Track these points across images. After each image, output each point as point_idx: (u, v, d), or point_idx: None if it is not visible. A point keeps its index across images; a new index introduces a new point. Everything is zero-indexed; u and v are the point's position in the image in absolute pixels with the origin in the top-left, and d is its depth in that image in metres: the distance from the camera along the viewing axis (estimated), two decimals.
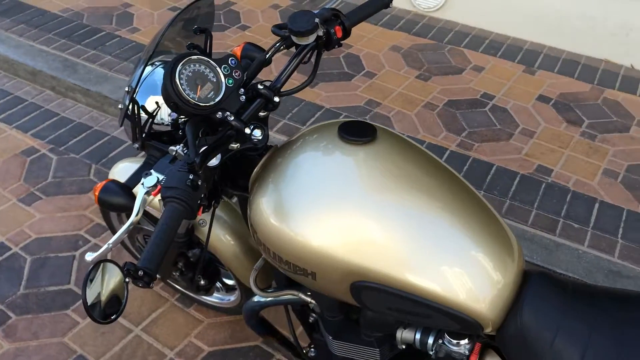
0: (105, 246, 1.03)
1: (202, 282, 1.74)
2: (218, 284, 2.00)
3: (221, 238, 1.67)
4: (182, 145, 1.15)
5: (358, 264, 1.10)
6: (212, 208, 1.37)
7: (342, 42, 1.32)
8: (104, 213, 1.95)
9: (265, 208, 1.19)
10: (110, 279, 0.92)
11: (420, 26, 3.90)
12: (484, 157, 2.77)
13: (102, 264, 0.92)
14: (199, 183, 1.02)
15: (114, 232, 2.07)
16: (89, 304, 0.91)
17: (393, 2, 1.48)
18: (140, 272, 0.90)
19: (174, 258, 1.68)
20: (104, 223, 2.42)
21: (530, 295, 1.12)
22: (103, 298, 0.92)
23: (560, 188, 2.60)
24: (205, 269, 1.76)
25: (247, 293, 1.83)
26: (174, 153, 1.13)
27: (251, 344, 2.00)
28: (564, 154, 2.81)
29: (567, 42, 3.65)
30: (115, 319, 0.93)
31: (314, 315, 1.56)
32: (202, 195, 1.07)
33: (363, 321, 1.29)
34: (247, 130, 1.15)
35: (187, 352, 1.96)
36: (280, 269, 1.22)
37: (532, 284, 1.14)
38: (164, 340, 2.00)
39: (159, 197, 1.04)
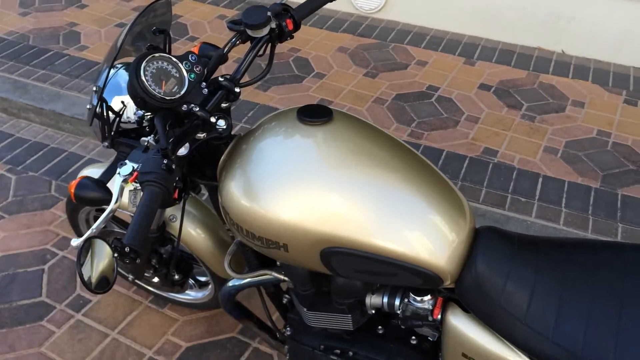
0: (88, 232, 1.09)
1: (177, 276, 1.80)
2: (191, 281, 2.06)
3: (192, 232, 1.74)
4: (152, 136, 1.22)
5: (326, 232, 1.19)
6: (182, 201, 1.44)
7: (293, 34, 1.43)
8: (71, 219, 1.99)
9: (235, 191, 1.27)
10: (101, 254, 0.99)
11: (363, 27, 4.05)
12: (434, 144, 2.92)
13: (91, 240, 0.99)
14: (173, 167, 1.10)
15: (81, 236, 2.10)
16: (85, 278, 0.97)
17: (335, 1, 1.58)
18: (127, 249, 0.97)
19: (147, 256, 1.73)
20: (70, 236, 2.44)
21: (482, 248, 1.24)
22: (96, 271, 0.99)
23: (507, 167, 2.78)
24: (178, 264, 1.82)
25: (220, 285, 1.89)
26: (145, 143, 1.21)
27: (228, 335, 2.07)
28: (507, 136, 3.00)
29: (502, 34, 3.87)
30: (110, 288, 1.00)
31: (287, 296, 1.65)
32: (177, 179, 1.14)
33: (334, 289, 1.38)
34: (213, 119, 1.23)
35: (166, 350, 2.01)
36: (254, 246, 1.30)
37: (482, 239, 1.27)
38: (142, 340, 2.04)
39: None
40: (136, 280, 2.13)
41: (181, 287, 1.86)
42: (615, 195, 2.61)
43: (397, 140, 1.35)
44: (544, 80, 3.48)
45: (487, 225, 1.31)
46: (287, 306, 1.69)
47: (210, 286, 2.01)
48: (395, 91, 3.35)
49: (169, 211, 1.70)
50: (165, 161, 1.10)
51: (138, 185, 1.12)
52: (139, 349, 2.01)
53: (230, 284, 1.58)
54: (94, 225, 1.08)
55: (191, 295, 2.10)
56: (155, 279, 1.89)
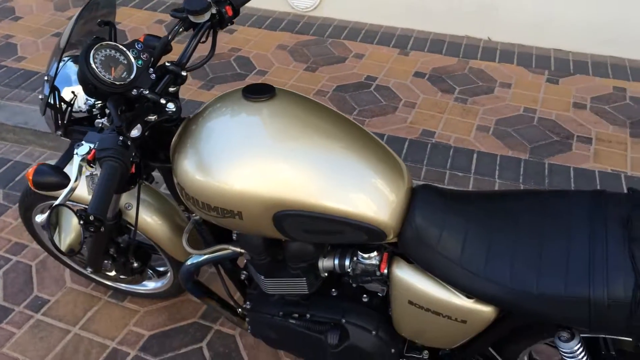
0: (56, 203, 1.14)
1: (135, 264, 1.86)
2: (149, 272, 2.11)
3: (149, 219, 1.80)
4: (106, 118, 1.29)
5: (276, 197, 1.29)
6: (137, 186, 1.51)
7: (233, 20, 1.52)
8: (25, 220, 2.01)
9: (189, 168, 1.35)
10: (68, 222, 1.05)
11: (301, 25, 4.18)
12: (376, 130, 3.07)
13: (58, 208, 1.05)
14: (129, 143, 1.18)
15: (36, 237, 2.12)
16: (56, 244, 1.04)
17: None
18: (91, 217, 1.04)
19: (104, 247, 1.78)
20: (22, 241, 2.44)
21: (419, 204, 1.37)
22: (65, 238, 1.05)
23: (444, 146, 2.95)
24: (136, 252, 1.87)
25: (179, 270, 1.95)
26: (100, 125, 1.28)
27: (189, 321, 2.13)
28: (443, 118, 3.18)
29: (432, 25, 4.07)
30: (79, 251, 1.07)
31: (244, 272, 1.74)
32: (133, 154, 1.21)
33: (288, 255, 1.48)
34: (163, 101, 1.32)
35: (129, 340, 2.06)
36: (211, 218, 1.39)
37: (419, 195, 1.39)
38: (104, 333, 2.08)
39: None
40: (94, 276, 2.17)
41: (140, 275, 1.91)
42: (543, 165, 2.82)
43: (337, 112, 1.46)
44: (473, 65, 3.70)
45: (422, 184, 1.45)
46: (246, 283, 1.77)
47: (169, 274, 2.07)
48: (336, 83, 3.48)
49: (124, 199, 1.76)
50: (120, 138, 1.17)
51: (94, 170, 1.19)
52: (101, 341, 2.05)
53: (189, 262, 1.65)
54: (56, 203, 1.14)
55: (150, 285, 2.15)
56: (113, 272, 1.93)
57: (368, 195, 1.32)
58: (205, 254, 1.61)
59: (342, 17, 4.26)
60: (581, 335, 1.37)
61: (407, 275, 1.40)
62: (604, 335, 1.43)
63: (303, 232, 1.35)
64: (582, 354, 1.36)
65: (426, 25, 4.09)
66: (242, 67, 3.64)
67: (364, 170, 1.34)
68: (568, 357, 1.37)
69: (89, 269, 1.87)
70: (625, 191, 1.34)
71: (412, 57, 3.79)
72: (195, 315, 2.15)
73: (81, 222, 1.04)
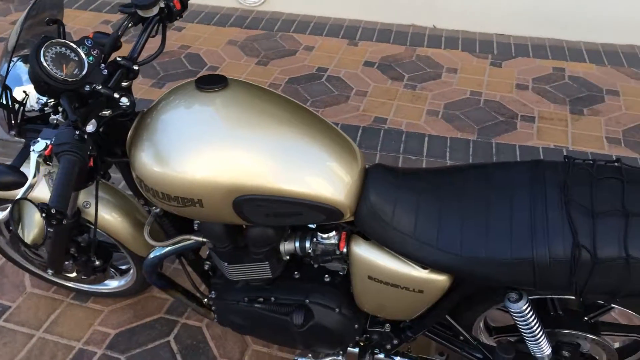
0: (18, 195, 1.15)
1: (97, 262, 1.86)
2: (112, 271, 2.11)
3: (108, 217, 1.81)
4: (60, 114, 1.30)
5: (235, 183, 1.32)
6: (95, 183, 1.52)
7: (182, 14, 1.55)
8: None
9: (147, 160, 1.37)
10: (30, 215, 1.07)
11: (250, 20, 4.20)
12: (330, 119, 3.13)
13: (19, 202, 1.07)
14: (85, 136, 1.19)
15: None
16: (20, 236, 1.05)
17: None
18: (53, 210, 1.06)
19: (65, 247, 1.78)
20: None
21: (372, 182, 1.43)
22: (28, 230, 1.07)
23: (396, 131, 3.04)
24: (97, 251, 1.88)
25: (141, 267, 1.97)
26: (55, 121, 1.28)
27: (155, 317, 2.14)
28: (394, 104, 3.27)
29: (378, 15, 4.16)
30: (43, 243, 1.08)
31: (207, 262, 1.77)
32: (90, 147, 1.22)
33: (250, 240, 1.51)
34: (116, 95, 1.34)
35: (95, 339, 2.06)
36: (172, 208, 1.41)
37: (372, 175, 1.46)
38: (69, 335, 2.07)
39: None
40: (55, 279, 2.16)
41: (103, 273, 1.92)
42: (490, 144, 2.94)
43: (290, 99, 1.51)
44: (421, 52, 3.80)
45: (374, 164, 1.51)
46: (210, 273, 1.80)
47: (131, 271, 2.07)
48: (288, 75, 3.53)
49: (82, 198, 1.76)
50: (77, 132, 1.19)
51: (52, 168, 1.21)
52: (67, 343, 2.04)
53: (152, 255, 1.67)
54: (18, 196, 1.15)
55: (113, 284, 2.15)
56: (74, 274, 1.93)
57: (324, 177, 1.37)
58: (167, 246, 1.63)
59: (290, 11, 4.30)
60: (530, 297, 1.47)
61: (365, 252, 1.46)
62: (550, 296, 1.53)
63: (263, 216, 1.39)
64: (531, 313, 1.45)
65: (373, 15, 4.17)
66: (193, 64, 3.64)
67: (319, 154, 1.39)
68: (518, 318, 1.46)
69: (50, 271, 1.86)
70: (562, 160, 1.44)
71: (361, 47, 3.87)
72: (161, 310, 2.16)
73: (43, 214, 1.05)
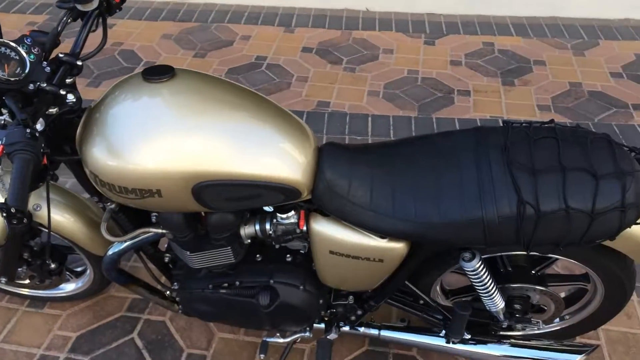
0: None
1: (53, 265, 1.82)
2: (67, 274, 2.07)
3: (61, 218, 1.77)
4: (6, 114, 1.28)
5: (193, 170, 1.34)
6: (46, 184, 1.49)
7: (121, 6, 1.54)
8: None
9: (100, 155, 1.36)
10: None
11: (182, 13, 4.14)
12: None
13: None
14: (37, 134, 1.18)
15: None
16: None
17: None
18: (13, 209, 1.05)
19: (18, 253, 1.74)
20: None
21: (327, 159, 1.48)
22: None
23: (340, 113, 3.10)
24: (51, 254, 1.84)
25: (98, 266, 1.94)
26: (2, 122, 1.26)
27: (116, 316, 2.12)
28: (335, 88, 3.32)
29: (312, 1, 4.19)
30: (3, 245, 1.07)
31: (167, 254, 1.77)
32: (43, 145, 1.21)
33: (210, 227, 1.53)
34: (63, 92, 1.32)
35: (56, 344, 2.02)
36: (130, 201, 1.41)
37: (325, 152, 1.50)
38: (28, 342, 2.02)
39: None
40: (8, 288, 2.10)
41: (59, 276, 1.88)
42: (431, 120, 3.05)
43: (239, 85, 1.53)
44: (356, 36, 3.87)
45: (327, 142, 1.55)
46: (170, 265, 1.80)
47: (87, 272, 2.04)
48: (227, 66, 3.52)
49: (32, 201, 1.71)
50: (28, 130, 1.17)
51: (1, 173, 1.18)
52: (27, 351, 2.00)
53: (110, 251, 1.66)
54: None
55: (70, 287, 2.11)
56: (27, 281, 1.89)
57: (280, 158, 1.40)
58: (126, 241, 1.63)
59: (223, 2, 4.27)
60: (482, 256, 1.56)
61: (324, 228, 1.51)
62: (500, 254, 1.63)
63: (223, 201, 1.41)
64: (484, 270, 1.55)
65: (307, 1, 4.21)
66: (128, 60, 3.57)
67: (272, 135, 1.42)
68: (472, 276, 1.55)
69: (3, 280, 1.81)
70: (501, 125, 1.53)
71: (298, 33, 3.90)
72: (121, 309, 2.14)
73: (4, 214, 1.04)
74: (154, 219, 1.59)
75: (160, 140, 1.34)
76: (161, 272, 1.81)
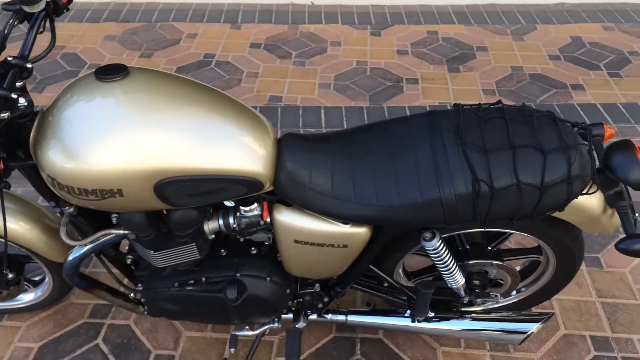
0: None
1: (10, 275, 1.78)
2: (26, 284, 2.01)
3: (16, 226, 1.73)
4: None
5: (154, 167, 1.33)
6: (0, 193, 1.45)
7: (68, 7, 1.51)
8: None
9: (57, 158, 1.34)
10: None
11: (125, 13, 4.06)
12: None
13: None
14: None
15: None
16: None
17: None
18: None
19: None
20: None
21: (287, 150, 1.50)
22: None
23: (292, 107, 3.12)
24: (9, 264, 1.79)
25: (57, 274, 1.90)
26: None
27: (78, 323, 2.08)
28: (286, 82, 3.34)
29: None
30: None
31: (129, 256, 1.75)
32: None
33: (173, 225, 1.52)
34: (14, 96, 1.29)
35: (17, 356, 1.97)
36: (90, 203, 1.39)
37: (285, 143, 1.52)
38: None
39: None
40: None
41: (17, 286, 1.83)
42: (382, 109, 3.11)
43: (195, 81, 1.52)
44: (303, 29, 3.89)
45: (285, 133, 1.57)
46: (133, 267, 1.79)
47: (46, 280, 1.99)
48: (175, 65, 3.47)
49: None
50: None
51: None
52: None
53: (71, 256, 1.63)
54: None
55: (28, 297, 2.05)
56: None
57: (240, 151, 1.41)
58: (87, 244, 1.60)
59: (166, 0, 4.21)
60: (441, 236, 1.61)
61: (288, 218, 1.53)
62: (457, 232, 1.69)
63: (186, 197, 1.41)
64: (444, 249, 1.60)
65: None
66: (71, 64, 3.47)
67: (231, 129, 1.42)
68: (433, 254, 1.61)
69: None
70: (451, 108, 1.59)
71: (245, 29, 3.88)
72: (83, 316, 2.10)
73: None
74: (114, 220, 1.57)
75: (118, 139, 1.33)
76: (124, 275, 1.79)
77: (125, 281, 1.90)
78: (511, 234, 1.78)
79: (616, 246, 1.45)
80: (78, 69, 3.42)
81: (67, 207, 1.55)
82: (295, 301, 1.83)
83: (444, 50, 3.66)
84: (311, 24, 3.94)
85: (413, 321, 1.81)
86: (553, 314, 1.81)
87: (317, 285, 1.78)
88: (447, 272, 1.66)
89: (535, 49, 3.69)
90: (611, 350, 2.03)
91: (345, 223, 1.52)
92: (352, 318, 1.86)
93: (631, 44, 3.76)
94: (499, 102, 1.56)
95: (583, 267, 2.34)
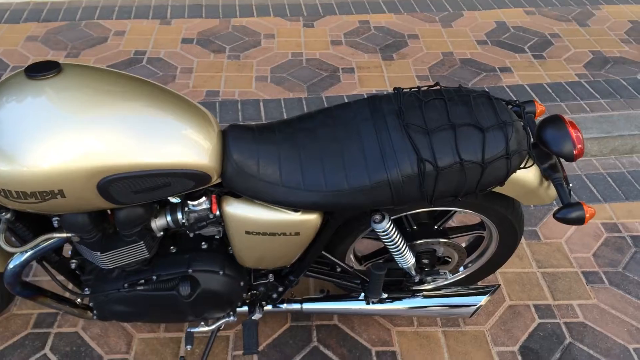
0: None
1: None
2: None
3: None
4: None
5: (96, 165, 1.29)
6: None
7: None
8: None
9: None
10: None
11: (46, 12, 3.89)
12: None
13: None
14: None
15: None
16: None
17: None
18: None
19: None
20: None
21: (232, 141, 1.49)
22: None
23: (230, 101, 3.08)
24: None
25: None
26: None
27: (22, 334, 1.99)
28: (222, 76, 3.30)
29: None
30: None
31: (73, 260, 1.69)
32: None
33: (119, 224, 1.48)
34: None
35: None
36: (29, 206, 1.33)
37: (230, 135, 1.51)
38: None
39: None
40: None
41: None
42: (321, 98, 3.13)
43: (132, 75, 1.48)
44: (236, 23, 3.85)
45: (230, 124, 1.56)
46: (78, 272, 1.72)
47: None
48: (104, 63, 3.36)
49: None
50: None
51: None
52: None
53: (11, 264, 1.55)
54: None
55: None
56: None
57: (184, 144, 1.38)
58: (27, 250, 1.53)
59: None
60: (391, 217, 1.65)
61: (238, 209, 1.52)
62: (405, 214, 1.73)
63: (132, 194, 1.37)
64: (393, 229, 1.64)
65: None
66: None
67: (173, 122, 1.39)
68: (383, 236, 1.64)
69: None
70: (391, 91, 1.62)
71: (175, 25, 3.80)
72: (27, 326, 2.01)
73: None
74: (56, 224, 1.50)
75: (54, 138, 1.28)
76: (69, 280, 1.72)
77: (71, 287, 1.82)
78: (456, 212, 1.84)
79: (554, 215, 1.53)
80: (0, 72, 3.24)
81: (3, 213, 1.47)
82: (250, 293, 1.82)
83: (377, 39, 3.72)
84: (243, 18, 3.91)
85: (367, 303, 1.84)
86: (499, 285, 1.89)
87: (270, 275, 1.78)
88: (397, 253, 1.70)
89: (463, 34, 3.81)
90: (554, 317, 2.14)
91: (296, 211, 1.52)
92: (307, 305, 1.87)
93: (552, 27, 3.95)
94: (437, 84, 1.61)
95: (523, 240, 2.45)
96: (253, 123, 1.58)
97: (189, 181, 1.41)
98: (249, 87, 3.20)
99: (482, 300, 1.82)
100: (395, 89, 1.60)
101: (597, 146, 2.92)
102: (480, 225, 1.96)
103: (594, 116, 3.03)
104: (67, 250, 1.71)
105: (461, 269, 2.06)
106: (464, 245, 2.09)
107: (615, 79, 3.37)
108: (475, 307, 1.83)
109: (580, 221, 1.51)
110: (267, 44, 3.62)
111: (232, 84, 3.22)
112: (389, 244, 1.67)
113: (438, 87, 1.59)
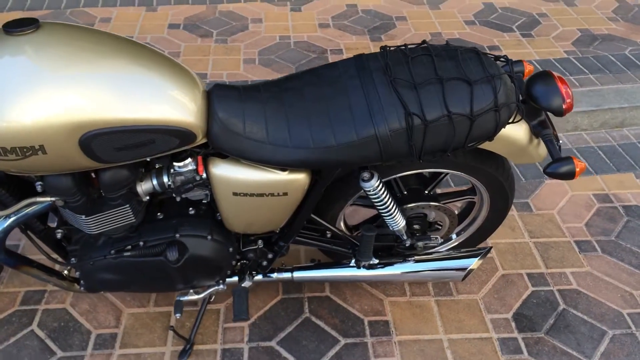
0: None
1: None
2: None
3: None
4: None
5: (77, 119, 1.25)
6: None
7: None
8: None
9: None
10: None
11: (31, 1, 3.85)
12: None
13: None
14: None
15: None
16: None
17: None
18: None
19: None
20: None
21: (217, 100, 1.46)
22: None
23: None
24: None
25: None
26: None
27: (9, 311, 1.95)
28: (210, 60, 3.27)
29: None
30: None
31: (59, 230, 1.65)
32: None
33: (104, 186, 1.45)
34: None
35: None
36: (9, 164, 1.29)
37: (215, 93, 1.48)
38: None
39: None
40: None
41: None
42: None
43: (115, 34, 1.45)
44: (222, 8, 3.83)
45: (214, 84, 1.53)
46: (64, 244, 1.69)
47: None
48: None
49: None
50: None
51: None
52: None
53: None
54: None
55: None
56: None
57: (168, 100, 1.35)
58: (11, 215, 1.50)
59: None
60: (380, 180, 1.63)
61: (224, 170, 1.49)
62: (394, 176, 1.71)
63: (114, 150, 1.34)
64: (383, 189, 1.62)
65: None
66: None
67: (157, 79, 1.36)
68: (372, 195, 1.62)
69: None
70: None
71: (161, 11, 3.77)
72: (14, 304, 1.98)
73: None
74: (39, 188, 1.47)
75: (34, 93, 1.25)
76: (54, 252, 1.69)
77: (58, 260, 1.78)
78: (446, 175, 1.82)
79: (544, 170, 1.52)
80: None
81: None
82: (239, 262, 1.79)
83: (365, 22, 3.70)
84: (230, 3, 3.88)
85: (358, 267, 1.82)
86: (491, 247, 1.87)
87: (260, 241, 1.76)
88: (387, 214, 1.68)
89: (451, 15, 3.80)
90: (547, 285, 2.13)
91: (283, 170, 1.50)
92: (298, 274, 1.84)
93: (539, 7, 3.95)
94: (424, 42, 1.59)
95: (515, 211, 2.44)
96: (238, 84, 1.56)
97: (173, 139, 1.39)
98: (237, 69, 3.18)
99: (474, 263, 1.81)
100: (381, 47, 1.58)
101: (587, 119, 2.91)
102: (471, 191, 1.95)
103: (583, 90, 3.03)
104: (54, 222, 1.68)
105: (453, 236, 2.05)
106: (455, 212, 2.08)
107: (604, 54, 3.37)
108: (466, 270, 1.81)
109: (570, 175, 1.50)
110: (254, 28, 3.60)
111: (220, 67, 3.20)
112: (379, 204, 1.65)
113: (425, 45, 1.57)
